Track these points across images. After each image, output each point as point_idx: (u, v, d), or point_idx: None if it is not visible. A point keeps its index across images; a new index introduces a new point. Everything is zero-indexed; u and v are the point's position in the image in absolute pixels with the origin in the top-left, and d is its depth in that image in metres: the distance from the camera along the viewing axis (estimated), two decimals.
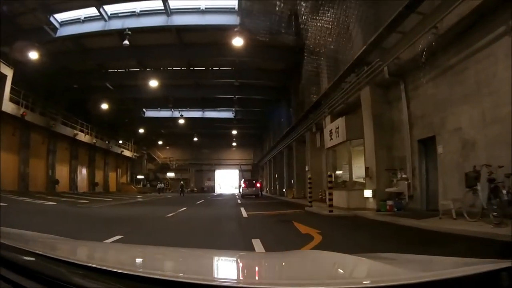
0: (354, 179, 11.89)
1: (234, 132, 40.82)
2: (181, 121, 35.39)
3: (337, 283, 0.95)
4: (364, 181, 10.82)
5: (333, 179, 10.60)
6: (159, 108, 35.77)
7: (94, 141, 31.41)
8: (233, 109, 33.07)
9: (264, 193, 34.76)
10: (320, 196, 16.20)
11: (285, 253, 1.84)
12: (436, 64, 8.52)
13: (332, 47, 13.51)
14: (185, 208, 14.18)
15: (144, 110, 35.98)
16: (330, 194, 9.95)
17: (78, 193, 27.27)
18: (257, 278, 1.26)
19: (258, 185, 28.75)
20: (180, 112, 33.77)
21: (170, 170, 50.76)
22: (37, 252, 1.18)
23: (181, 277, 0.97)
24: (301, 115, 18.34)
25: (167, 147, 50.84)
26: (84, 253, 1.65)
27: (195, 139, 45.76)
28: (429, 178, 9.06)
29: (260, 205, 17.01)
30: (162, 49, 21.25)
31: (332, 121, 13.11)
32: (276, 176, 31.31)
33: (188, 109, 34.84)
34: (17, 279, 1.00)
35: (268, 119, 35.50)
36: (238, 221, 9.19)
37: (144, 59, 22.91)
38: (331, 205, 9.84)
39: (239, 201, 21.29)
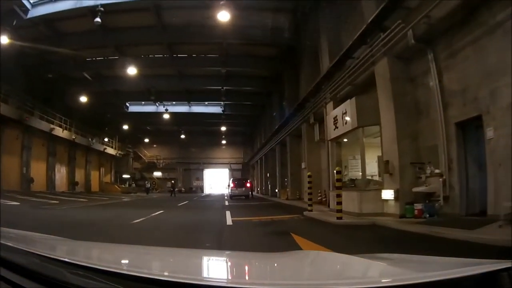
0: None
1: (223, 128, 38.30)
2: (167, 116, 33.01)
3: (336, 284, 0.95)
4: (380, 179, 8.60)
5: (342, 176, 8.22)
6: (143, 102, 33.23)
7: (74, 137, 29.07)
8: (222, 103, 30.64)
9: (255, 193, 32.48)
10: (319, 198, 14.01)
11: (284, 253, 1.72)
12: (480, 21, 6.38)
13: (336, 16, 11.38)
14: (161, 211, 12.04)
15: (127, 104, 33.33)
16: (339, 195, 7.66)
17: (56, 192, 25.03)
18: (256, 278, 1.26)
19: (248, 185, 26.23)
20: (165, 106, 31.26)
21: (157, 169, 48.16)
22: (37, 252, 1.18)
23: (181, 277, 0.96)
24: (297, 103, 16.08)
25: (154, 145, 48.34)
26: (84, 253, 1.63)
27: (182, 136, 43.28)
28: (469, 173, 6.89)
29: (250, 208, 14.74)
30: (141, 32, 18.90)
31: (335, 107, 10.88)
32: (268, 175, 28.80)
33: (174, 103, 32.43)
34: (17, 279, 1.01)
35: (259, 115, 33.25)
36: (219, 231, 6.90)
37: (122, 44, 20.45)
38: (339, 210, 7.56)
39: (226, 202, 18.99)
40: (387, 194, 7.74)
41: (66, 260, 1.10)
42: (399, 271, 1.15)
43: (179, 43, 20.14)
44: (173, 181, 37.68)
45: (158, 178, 47.57)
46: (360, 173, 9.64)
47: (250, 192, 26.27)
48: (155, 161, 48.16)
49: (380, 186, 8.23)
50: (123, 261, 1.51)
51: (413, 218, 6.90)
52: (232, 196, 24.94)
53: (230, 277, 1.26)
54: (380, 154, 9.60)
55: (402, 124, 7.75)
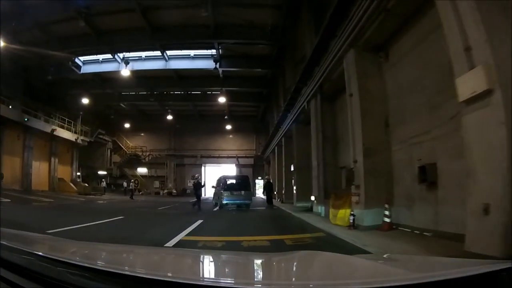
0: None
1: (223, 100, 25.36)
2: (134, 77, 21.43)
3: (337, 284, 0.94)
4: None
5: None
6: (100, 59, 21.85)
7: None
8: (215, 48, 18.44)
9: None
10: None
11: (285, 253, 1.67)
12: None
13: None
14: None
15: (78, 62, 21.78)
16: None
17: None
18: (258, 278, 1.24)
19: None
20: (124, 57, 19.61)
21: (141, 165, 36.53)
22: (36, 252, 1.18)
23: (181, 278, 0.95)
24: None
25: (142, 134, 36.82)
26: (83, 253, 1.57)
27: (170, 117, 31.36)
28: None
29: None
30: None
31: None
32: (292, 169, 15.93)
33: (143, 57, 20.86)
34: (17, 279, 0.99)
35: (276, 76, 21.17)
36: None
37: None
38: None
39: (195, 224, 7.01)
40: None
41: (66, 260, 1.08)
42: (399, 271, 1.15)
43: None
44: (197, 176, 24.45)
45: (142, 176, 36.05)
46: None
47: (269, 199, 14.52)
48: (140, 153, 36.62)
49: None
50: (122, 261, 1.47)
51: None
52: (222, 206, 13.16)
53: (231, 278, 1.21)
54: None
55: None
